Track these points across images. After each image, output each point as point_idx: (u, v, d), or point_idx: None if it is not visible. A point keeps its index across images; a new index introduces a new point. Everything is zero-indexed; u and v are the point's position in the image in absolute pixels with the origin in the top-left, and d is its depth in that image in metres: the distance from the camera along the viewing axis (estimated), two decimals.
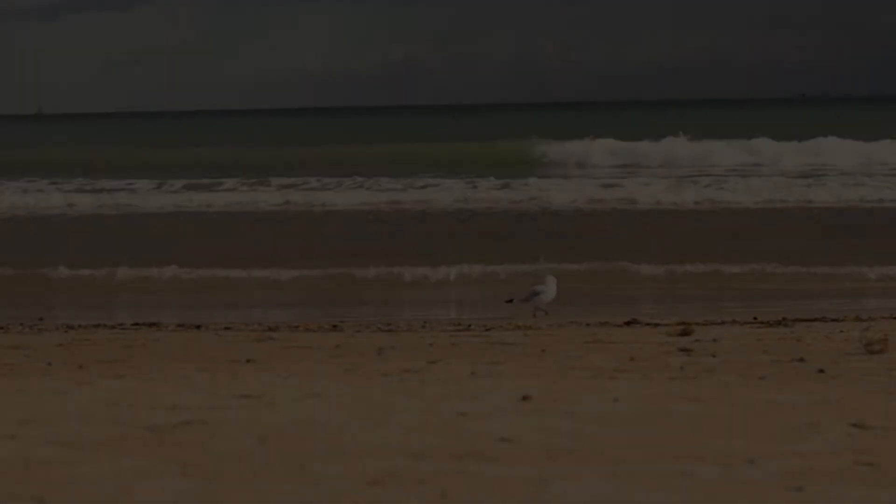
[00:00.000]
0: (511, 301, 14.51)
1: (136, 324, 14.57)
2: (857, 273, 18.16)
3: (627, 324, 13.53)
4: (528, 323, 13.70)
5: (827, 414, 6.58)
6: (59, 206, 32.23)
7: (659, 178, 35.07)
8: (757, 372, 8.60)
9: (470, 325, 13.57)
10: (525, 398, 7.00)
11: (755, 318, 13.90)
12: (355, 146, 50.80)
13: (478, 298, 17.32)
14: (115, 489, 4.78)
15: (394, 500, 4.63)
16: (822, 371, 8.63)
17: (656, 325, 13.26)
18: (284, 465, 5.16)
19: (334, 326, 13.83)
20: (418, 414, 6.47)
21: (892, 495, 4.83)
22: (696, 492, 4.80)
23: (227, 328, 13.76)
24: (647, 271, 18.55)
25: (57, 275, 19.33)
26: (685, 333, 11.74)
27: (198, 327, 13.98)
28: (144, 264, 19.47)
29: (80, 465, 5.19)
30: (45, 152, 49.12)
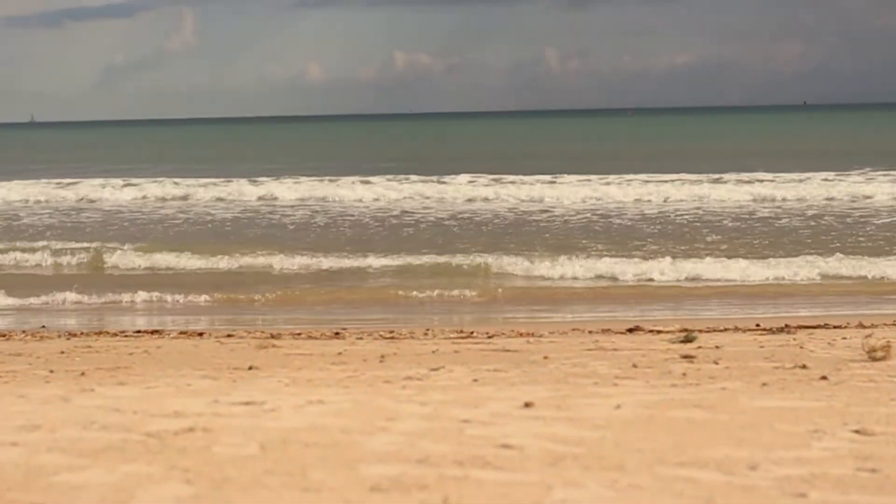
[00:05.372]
0: None
1: (139, 331, 14.60)
2: None
3: (630, 331, 13.54)
4: (531, 330, 13.69)
5: (829, 421, 6.57)
6: None
7: None
8: (759, 379, 8.59)
9: (472, 333, 13.57)
10: (527, 405, 6.99)
11: (758, 325, 13.91)
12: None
13: None
14: (117, 496, 4.77)
15: None
16: (824, 378, 8.62)
17: (659, 331, 13.27)
18: (286, 472, 5.15)
19: (336, 334, 13.84)
20: (421, 420, 6.47)
21: (895, 502, 4.82)
22: (698, 498, 4.79)
23: (229, 335, 13.77)
24: None
25: None
26: (688, 340, 11.75)
27: (200, 334, 13.99)
28: None
29: (82, 471, 5.18)
30: None
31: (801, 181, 37.27)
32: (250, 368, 9.84)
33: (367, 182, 40.00)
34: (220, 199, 38.45)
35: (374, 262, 23.05)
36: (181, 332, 14.34)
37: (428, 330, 14.14)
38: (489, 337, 13.05)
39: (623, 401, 7.25)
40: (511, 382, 8.40)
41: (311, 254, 24.05)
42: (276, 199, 38.29)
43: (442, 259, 23.07)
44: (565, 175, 39.66)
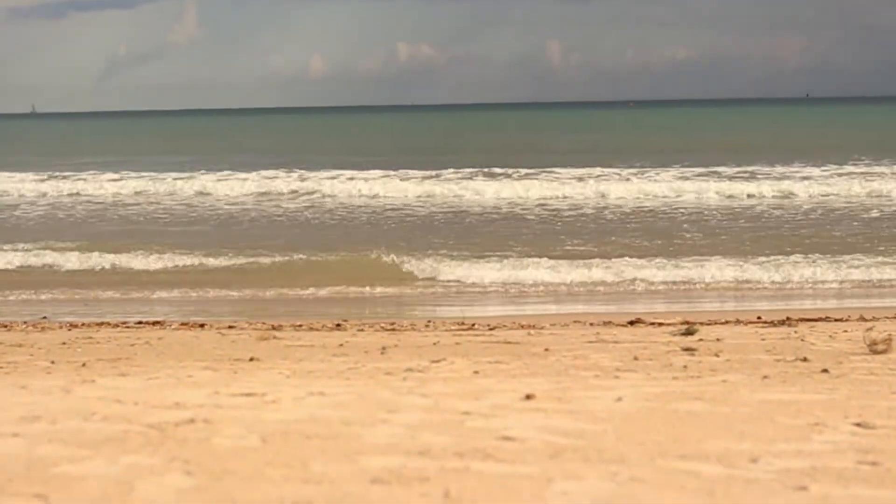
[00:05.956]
0: None
1: (140, 322, 14.61)
2: None
3: (631, 323, 13.55)
4: (532, 322, 13.70)
5: (830, 413, 6.57)
6: None
7: None
8: (760, 371, 8.59)
9: (474, 325, 13.58)
10: (528, 397, 6.99)
11: (759, 318, 13.92)
12: None
13: None
14: (118, 487, 4.77)
15: (397, 498, 4.62)
16: (825, 371, 8.62)
17: (660, 324, 13.27)
18: (287, 464, 5.15)
19: (338, 325, 13.85)
20: (421, 412, 6.47)
21: None
22: (699, 491, 4.79)
23: (230, 327, 13.78)
24: None
25: None
26: (689, 333, 11.76)
27: (201, 326, 14.00)
28: None
29: (83, 462, 5.18)
30: None
31: (800, 177, 37.18)
32: (251, 360, 9.85)
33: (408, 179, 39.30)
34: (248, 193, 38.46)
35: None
36: (182, 324, 14.35)
37: (429, 321, 14.15)
38: (490, 329, 13.05)
39: (624, 393, 7.25)
40: (512, 374, 8.41)
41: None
42: (267, 192, 38.34)
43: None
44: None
